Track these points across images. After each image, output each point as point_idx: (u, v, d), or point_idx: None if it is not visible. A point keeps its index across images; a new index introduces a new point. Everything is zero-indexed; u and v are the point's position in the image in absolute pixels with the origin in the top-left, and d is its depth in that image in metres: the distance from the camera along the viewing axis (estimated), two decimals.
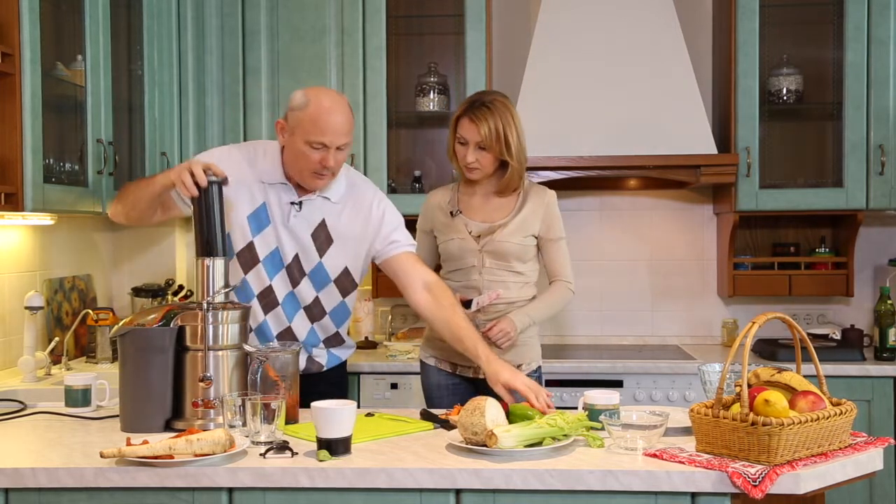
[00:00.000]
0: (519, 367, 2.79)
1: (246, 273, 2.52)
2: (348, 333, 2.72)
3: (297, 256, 2.54)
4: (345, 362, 2.74)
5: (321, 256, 2.54)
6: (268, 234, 2.52)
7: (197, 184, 2.24)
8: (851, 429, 2.02)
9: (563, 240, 2.85)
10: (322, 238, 2.53)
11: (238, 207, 2.50)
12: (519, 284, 2.81)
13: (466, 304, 2.72)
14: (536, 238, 2.82)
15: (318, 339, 2.62)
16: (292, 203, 2.52)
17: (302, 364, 2.52)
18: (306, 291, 2.56)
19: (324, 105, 2.42)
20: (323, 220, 2.53)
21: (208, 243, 2.27)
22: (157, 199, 2.42)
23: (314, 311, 2.58)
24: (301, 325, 2.58)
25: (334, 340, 2.66)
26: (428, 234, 2.93)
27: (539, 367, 2.87)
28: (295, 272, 2.54)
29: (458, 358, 2.81)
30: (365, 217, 2.57)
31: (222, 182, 2.30)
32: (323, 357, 2.64)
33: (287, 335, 2.56)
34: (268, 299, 2.55)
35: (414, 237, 2.68)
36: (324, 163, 2.43)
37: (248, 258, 2.52)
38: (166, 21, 3.48)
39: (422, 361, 2.94)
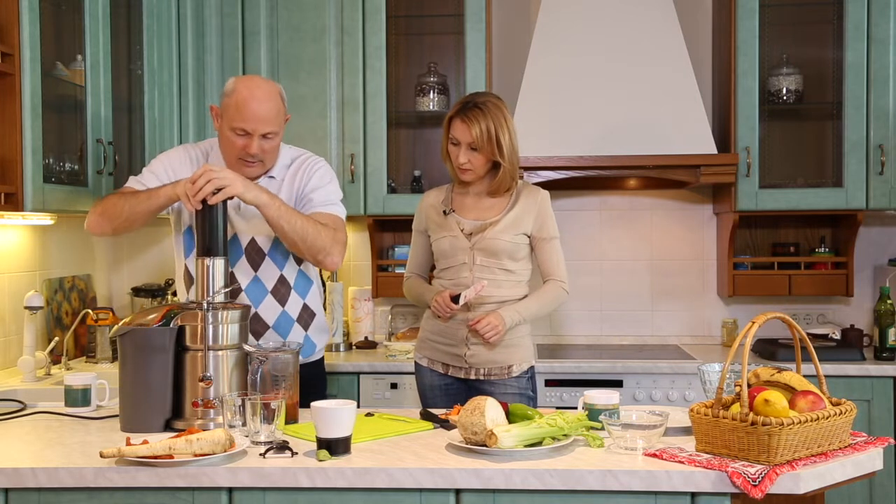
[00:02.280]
0: (510, 367, 2.80)
1: None
2: (325, 315, 2.73)
3: (252, 239, 2.57)
4: (321, 360, 2.76)
5: None
6: None
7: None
8: (851, 429, 2.02)
9: (557, 239, 2.85)
10: None
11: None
12: (510, 283, 2.80)
13: (455, 299, 2.73)
14: (529, 237, 2.82)
15: (291, 319, 2.62)
16: None
17: None
18: (270, 271, 2.58)
19: (249, 92, 2.47)
20: None
21: (209, 251, 2.27)
22: (157, 213, 2.44)
23: (281, 291, 2.60)
24: (270, 310, 2.58)
25: (306, 315, 2.66)
26: (422, 234, 2.94)
27: (532, 367, 2.86)
28: (253, 255, 2.57)
29: (450, 359, 2.82)
30: (299, 179, 2.61)
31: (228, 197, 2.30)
32: (298, 340, 2.63)
33: (255, 322, 2.54)
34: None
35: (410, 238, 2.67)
36: (247, 149, 2.48)
37: None
38: (166, 21, 3.47)
39: (416, 363, 2.94)
